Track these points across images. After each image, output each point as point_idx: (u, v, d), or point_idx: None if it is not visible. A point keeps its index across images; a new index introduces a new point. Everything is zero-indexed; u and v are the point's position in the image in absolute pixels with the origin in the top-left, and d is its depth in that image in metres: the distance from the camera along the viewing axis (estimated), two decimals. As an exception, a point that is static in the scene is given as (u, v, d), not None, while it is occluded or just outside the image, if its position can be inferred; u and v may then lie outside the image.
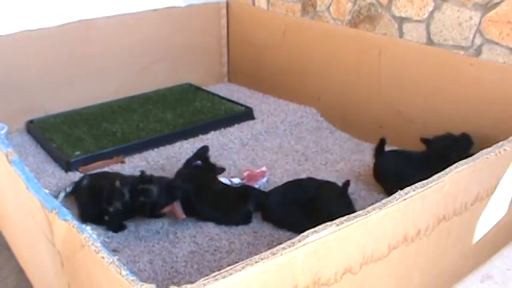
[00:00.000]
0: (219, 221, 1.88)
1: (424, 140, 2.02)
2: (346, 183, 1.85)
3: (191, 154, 2.17)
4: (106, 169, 2.17)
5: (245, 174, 2.17)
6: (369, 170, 2.17)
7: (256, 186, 2.10)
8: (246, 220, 1.88)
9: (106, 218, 1.83)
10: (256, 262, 0.90)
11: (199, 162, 2.06)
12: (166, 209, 1.87)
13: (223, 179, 2.11)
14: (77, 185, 1.99)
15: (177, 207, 1.86)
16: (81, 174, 2.13)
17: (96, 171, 2.11)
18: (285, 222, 1.85)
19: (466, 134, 1.98)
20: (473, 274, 1.26)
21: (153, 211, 1.82)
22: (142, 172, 1.87)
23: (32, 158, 2.32)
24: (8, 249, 1.97)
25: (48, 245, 1.23)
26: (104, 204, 1.83)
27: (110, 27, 2.75)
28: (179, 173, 2.05)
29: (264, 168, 2.21)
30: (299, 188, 1.93)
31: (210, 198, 1.92)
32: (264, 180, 2.15)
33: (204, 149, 2.15)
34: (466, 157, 1.29)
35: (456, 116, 2.13)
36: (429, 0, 2.25)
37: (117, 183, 1.84)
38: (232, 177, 2.16)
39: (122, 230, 1.85)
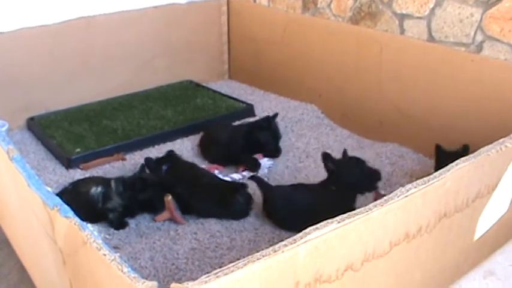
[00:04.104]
0: (216, 214, 1.87)
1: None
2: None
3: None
4: (106, 166, 2.18)
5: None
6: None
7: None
8: (241, 213, 1.88)
9: (110, 216, 1.84)
10: (257, 259, 0.90)
11: (164, 167, 2.04)
12: (165, 216, 1.87)
13: (227, 177, 2.11)
14: (63, 192, 1.92)
15: (176, 214, 1.86)
16: (82, 172, 2.14)
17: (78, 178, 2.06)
18: (285, 220, 1.83)
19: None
20: (475, 270, 1.25)
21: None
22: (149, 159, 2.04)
23: (32, 155, 2.32)
24: (9, 246, 1.97)
25: (49, 242, 1.23)
26: (100, 205, 1.84)
27: (110, 24, 2.74)
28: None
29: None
30: (305, 191, 1.89)
31: (202, 193, 1.91)
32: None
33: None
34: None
35: (457, 113, 2.13)
36: (430, -3, 2.24)
37: (113, 181, 1.87)
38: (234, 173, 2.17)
39: (123, 227, 1.85)
